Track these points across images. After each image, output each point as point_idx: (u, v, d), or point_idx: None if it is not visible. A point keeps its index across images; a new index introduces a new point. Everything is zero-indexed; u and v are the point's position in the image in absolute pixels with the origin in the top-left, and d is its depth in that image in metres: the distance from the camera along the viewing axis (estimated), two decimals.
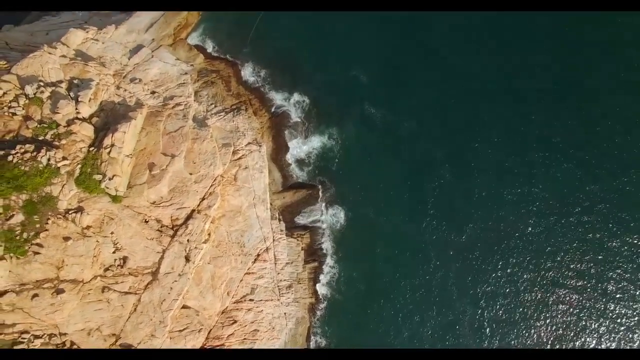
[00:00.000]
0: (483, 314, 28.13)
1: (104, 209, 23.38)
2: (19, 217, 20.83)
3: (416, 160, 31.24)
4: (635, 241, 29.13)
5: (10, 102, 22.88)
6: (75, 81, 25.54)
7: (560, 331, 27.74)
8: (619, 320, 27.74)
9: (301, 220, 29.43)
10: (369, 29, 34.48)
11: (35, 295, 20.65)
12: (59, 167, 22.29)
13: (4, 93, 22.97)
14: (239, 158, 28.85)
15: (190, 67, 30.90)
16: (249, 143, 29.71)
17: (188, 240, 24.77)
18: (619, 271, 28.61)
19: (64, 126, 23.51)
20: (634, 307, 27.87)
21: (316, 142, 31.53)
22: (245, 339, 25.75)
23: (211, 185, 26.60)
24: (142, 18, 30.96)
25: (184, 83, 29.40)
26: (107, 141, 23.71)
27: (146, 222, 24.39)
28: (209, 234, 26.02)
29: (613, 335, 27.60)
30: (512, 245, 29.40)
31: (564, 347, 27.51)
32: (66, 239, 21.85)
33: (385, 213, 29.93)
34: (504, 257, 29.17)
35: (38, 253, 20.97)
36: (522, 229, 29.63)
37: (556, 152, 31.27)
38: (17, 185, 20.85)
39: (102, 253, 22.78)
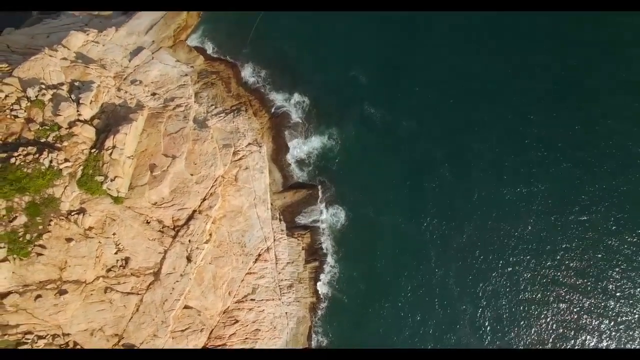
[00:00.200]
0: (483, 313, 28.22)
1: (106, 210, 23.55)
2: (22, 219, 21.00)
3: (416, 160, 31.32)
4: (636, 240, 29.18)
5: (12, 104, 23.06)
6: (77, 83, 25.71)
7: (561, 330, 27.82)
8: (619, 319, 27.80)
9: (302, 220, 29.58)
10: (369, 29, 34.51)
11: (39, 296, 20.84)
12: (61, 169, 22.45)
13: (6, 96, 23.14)
14: (240, 159, 29.00)
15: (190, 68, 31.04)
16: (250, 144, 29.85)
17: (189, 241, 24.93)
18: (619, 270, 28.66)
19: (66, 128, 23.68)
20: (634, 306, 27.94)
21: (316, 142, 31.64)
22: (247, 338, 25.92)
23: (212, 186, 26.75)
24: (142, 20, 31.11)
25: (184, 84, 29.55)
26: (108, 143, 23.87)
27: (148, 222, 24.56)
28: (210, 235, 26.18)
29: (613, 334, 27.67)
30: (512, 244, 29.48)
31: (564, 346, 27.59)
32: (69, 240, 22.02)
33: (386, 212, 30.04)
34: (504, 257, 29.25)
35: (41, 254, 21.15)
36: (522, 228, 29.69)
37: (556, 152, 31.29)
38: (20, 187, 21.02)
39: (105, 254, 22.96)
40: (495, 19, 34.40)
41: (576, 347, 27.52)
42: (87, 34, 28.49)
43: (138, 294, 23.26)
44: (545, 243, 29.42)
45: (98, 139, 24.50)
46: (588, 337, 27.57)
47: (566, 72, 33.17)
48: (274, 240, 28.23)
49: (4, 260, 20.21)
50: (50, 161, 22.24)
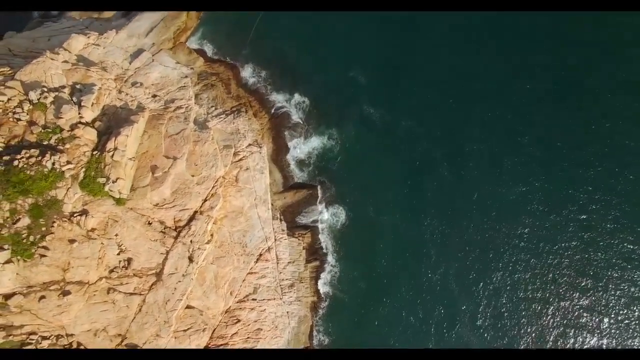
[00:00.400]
0: (484, 312, 28.33)
1: (108, 211, 23.75)
2: (25, 221, 21.19)
3: (416, 160, 31.45)
4: (635, 239, 29.26)
5: (14, 107, 23.24)
6: (78, 86, 25.91)
7: (562, 328, 27.91)
8: (619, 318, 27.91)
9: (302, 220, 29.76)
10: (369, 29, 34.55)
11: (43, 297, 21.03)
12: (63, 171, 22.64)
13: (9, 99, 23.33)
14: (240, 159, 29.19)
15: (190, 70, 31.25)
16: (250, 144, 30.05)
17: (191, 241, 25.12)
18: (619, 269, 28.76)
19: (68, 131, 23.86)
20: (634, 305, 28.05)
21: (316, 142, 31.82)
22: (248, 337, 26.10)
23: (213, 187, 26.95)
24: (142, 23, 31.33)
25: (184, 86, 29.75)
26: (110, 145, 24.07)
27: (150, 223, 24.76)
28: (212, 235, 26.37)
29: (613, 332, 27.76)
30: (512, 243, 29.59)
31: (564, 344, 27.68)
32: (71, 241, 22.22)
33: (386, 212, 30.20)
34: (505, 256, 29.36)
35: (44, 256, 21.35)
36: (522, 228, 29.78)
37: (556, 152, 31.35)
38: (23, 190, 21.21)
39: (107, 255, 23.15)
40: (495, 19, 34.41)
41: (576, 346, 27.63)
42: (88, 37, 28.69)
43: (141, 295, 23.45)
44: (545, 242, 29.53)
45: (100, 141, 24.69)
46: (588, 335, 27.68)
47: (566, 72, 33.18)
48: (275, 240, 28.41)
49: (8, 261, 20.42)
50: (53, 163, 22.43)
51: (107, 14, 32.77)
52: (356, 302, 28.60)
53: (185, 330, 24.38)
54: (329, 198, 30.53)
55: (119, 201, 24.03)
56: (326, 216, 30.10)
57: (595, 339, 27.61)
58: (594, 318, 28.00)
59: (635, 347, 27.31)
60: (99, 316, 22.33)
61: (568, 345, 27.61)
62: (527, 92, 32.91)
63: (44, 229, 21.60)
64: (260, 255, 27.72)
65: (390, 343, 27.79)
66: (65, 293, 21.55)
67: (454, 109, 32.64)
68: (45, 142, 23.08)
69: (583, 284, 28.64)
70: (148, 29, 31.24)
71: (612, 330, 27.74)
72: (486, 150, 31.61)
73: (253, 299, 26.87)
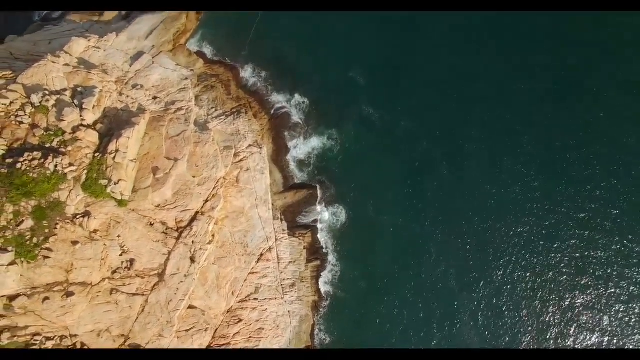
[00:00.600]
0: (485, 312, 28.47)
1: (111, 213, 23.94)
2: (28, 223, 21.40)
3: (416, 159, 31.57)
4: (635, 238, 29.36)
5: (17, 111, 23.43)
6: (79, 89, 26.10)
7: (562, 327, 28.06)
8: (619, 316, 28.03)
9: (303, 219, 29.96)
10: (369, 29, 34.59)
11: (46, 298, 21.23)
12: (65, 173, 22.83)
13: (11, 102, 23.52)
14: (241, 160, 29.38)
15: (190, 72, 31.41)
16: (250, 145, 30.24)
17: (193, 242, 25.30)
18: (618, 268, 28.90)
19: (70, 133, 24.06)
20: (634, 303, 28.16)
21: (316, 142, 31.98)
22: (250, 337, 26.30)
23: (214, 188, 27.13)
24: (142, 25, 31.51)
25: (184, 88, 29.92)
26: (111, 147, 24.25)
27: (151, 224, 24.96)
28: (213, 235, 26.57)
29: (614, 330, 27.90)
30: (512, 243, 29.73)
31: (565, 342, 27.79)
32: (74, 243, 22.41)
33: (386, 212, 30.36)
34: (505, 255, 29.51)
35: (48, 257, 21.55)
36: (522, 227, 29.91)
37: (556, 152, 31.45)
38: (26, 192, 21.40)
39: (110, 256, 23.34)
40: (495, 19, 34.44)
41: (577, 344, 27.75)
42: (88, 40, 28.87)
43: (143, 295, 23.65)
44: (545, 241, 29.67)
45: (101, 143, 24.88)
46: (588, 333, 27.81)
47: (566, 72, 33.24)
48: (276, 240, 28.60)
49: (12, 263, 20.61)
50: (55, 166, 22.62)
51: (107, 17, 32.96)
52: (357, 301, 28.79)
53: (187, 330, 24.58)
54: (329, 198, 30.70)
55: (121, 203, 24.23)
56: (326, 216, 30.29)
57: (595, 337, 27.75)
58: (594, 316, 28.16)
59: (636, 346, 27.39)
60: (102, 317, 22.53)
61: (568, 343, 27.75)
62: (527, 92, 32.97)
63: (47, 230, 21.81)
64: (262, 255, 27.90)
65: (391, 342, 27.97)
66: (69, 294, 21.75)
67: (454, 109, 32.71)
68: (48, 145, 23.27)
69: (583, 283, 28.79)
70: (148, 32, 31.42)
71: (612, 329, 27.88)
72: (486, 150, 31.70)
73: (255, 299, 27.06)
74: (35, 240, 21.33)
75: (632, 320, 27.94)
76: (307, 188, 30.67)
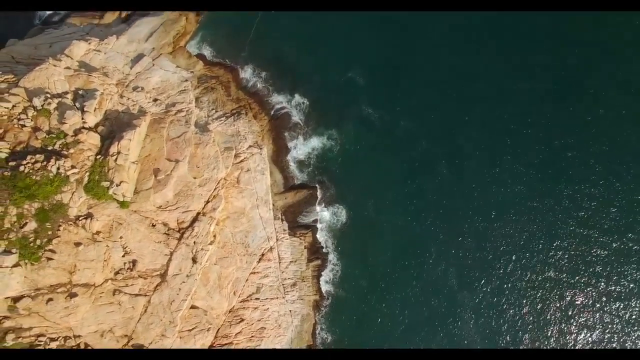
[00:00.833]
0: (485, 311, 28.58)
1: (113, 214, 24.15)
2: (32, 225, 21.61)
3: (416, 159, 31.66)
4: (634, 238, 29.40)
5: (19, 114, 23.62)
6: (80, 92, 26.28)
7: (562, 325, 28.16)
8: (619, 315, 28.12)
9: (303, 219, 30.13)
10: (369, 29, 34.67)
11: (50, 299, 21.45)
12: (68, 176, 23.03)
13: (13, 106, 23.71)
14: (241, 161, 29.55)
15: (190, 74, 31.59)
16: (250, 146, 30.40)
17: (194, 242, 25.50)
18: (618, 267, 28.98)
19: (72, 136, 24.24)
20: (634, 301, 28.25)
21: (316, 143, 32.13)
22: (252, 336, 26.50)
23: (215, 189, 27.32)
24: (142, 28, 31.69)
25: (184, 90, 30.10)
26: (113, 149, 24.44)
27: (153, 226, 25.15)
28: (215, 236, 26.75)
29: (614, 329, 27.99)
30: (512, 242, 29.83)
31: (565, 341, 27.89)
32: (77, 244, 22.63)
33: (386, 212, 30.49)
34: (505, 254, 29.61)
35: (51, 259, 21.77)
36: (522, 226, 30.00)
37: (555, 152, 31.49)
38: (29, 194, 21.60)
39: (112, 257, 23.55)
40: (495, 19, 34.48)
41: (577, 341, 27.85)
42: (89, 43, 29.05)
43: (146, 296, 23.86)
44: (545, 240, 29.75)
45: (103, 146, 25.07)
46: (588, 332, 27.91)
47: (566, 72, 33.27)
48: (277, 240, 28.78)
49: (16, 265, 20.82)
50: (58, 168, 22.81)
51: (107, 20, 33.15)
52: (358, 300, 28.96)
53: (190, 330, 24.79)
54: (330, 198, 30.86)
55: (123, 204, 24.43)
56: (327, 216, 30.45)
57: (595, 334, 27.85)
58: (594, 314, 28.24)
59: (636, 345, 27.49)
60: (106, 317, 22.74)
61: (568, 341, 27.86)
62: (527, 92, 32.99)
63: (50, 232, 22.01)
64: (263, 255, 28.09)
65: (392, 341, 28.14)
66: (72, 295, 21.97)
67: (454, 109, 32.77)
68: (50, 148, 23.47)
69: (583, 281, 28.87)
70: (148, 34, 31.59)
71: (612, 326, 27.98)
72: (486, 150, 31.76)
73: (256, 299, 27.26)
74: (38, 242, 21.55)
75: (632, 318, 28.03)
76: (307, 188, 30.84)
